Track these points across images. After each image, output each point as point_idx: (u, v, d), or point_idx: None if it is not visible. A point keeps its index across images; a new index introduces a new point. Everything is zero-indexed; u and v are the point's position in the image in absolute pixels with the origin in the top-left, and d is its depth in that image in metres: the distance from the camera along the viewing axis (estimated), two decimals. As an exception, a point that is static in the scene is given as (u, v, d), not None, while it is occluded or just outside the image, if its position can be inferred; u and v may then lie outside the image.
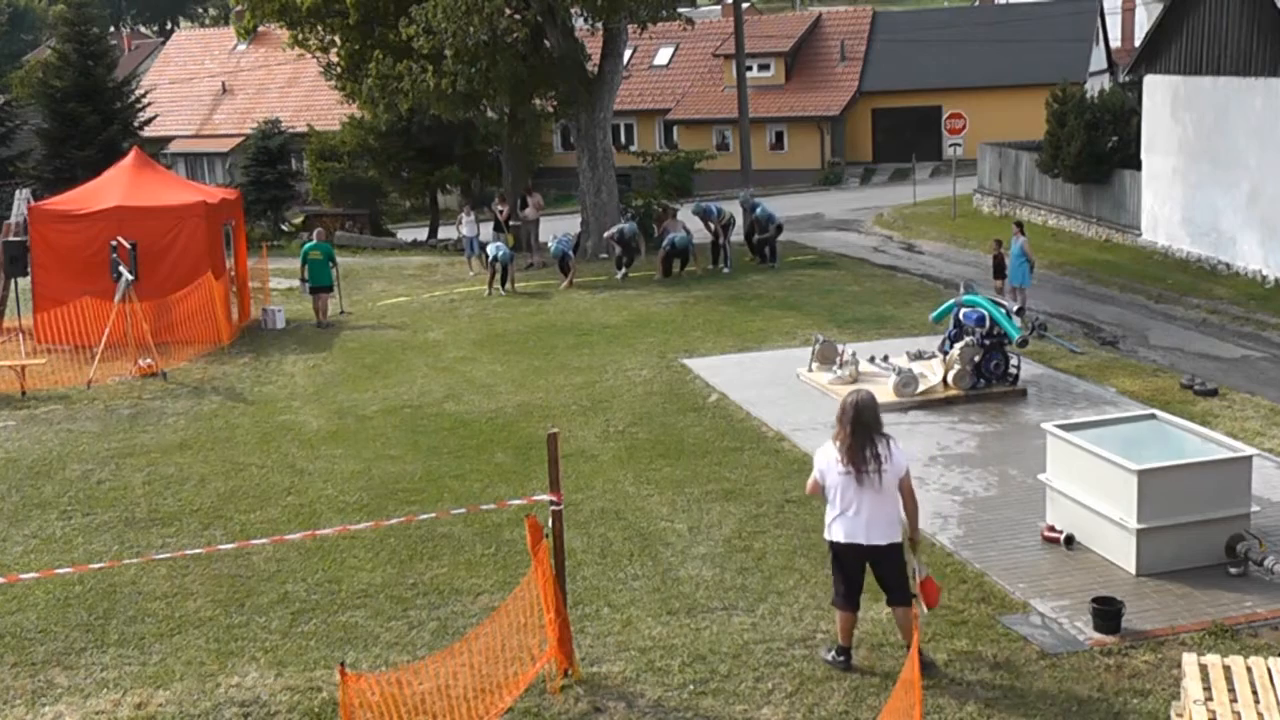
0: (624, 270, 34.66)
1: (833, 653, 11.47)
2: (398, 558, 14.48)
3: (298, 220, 53.17)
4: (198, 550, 14.21)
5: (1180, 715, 9.82)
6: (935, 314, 22.33)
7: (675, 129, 68.76)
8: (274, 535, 14.34)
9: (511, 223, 40.06)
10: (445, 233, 48.44)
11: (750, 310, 28.85)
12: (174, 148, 72.75)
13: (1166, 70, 35.90)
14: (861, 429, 10.87)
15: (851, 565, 11.13)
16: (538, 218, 39.92)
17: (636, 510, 15.83)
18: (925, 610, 11.39)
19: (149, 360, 24.47)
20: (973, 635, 12.05)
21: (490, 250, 34.11)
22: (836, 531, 11.06)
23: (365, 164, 49.67)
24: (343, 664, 9.08)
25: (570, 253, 34.69)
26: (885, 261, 37.52)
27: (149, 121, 57.34)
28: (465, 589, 13.58)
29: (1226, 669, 9.73)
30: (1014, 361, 20.63)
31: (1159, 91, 36.44)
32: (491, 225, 40.30)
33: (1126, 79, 42.64)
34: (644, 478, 17.06)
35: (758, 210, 36.82)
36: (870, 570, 11.17)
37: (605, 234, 36.40)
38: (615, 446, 18.62)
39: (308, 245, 30.40)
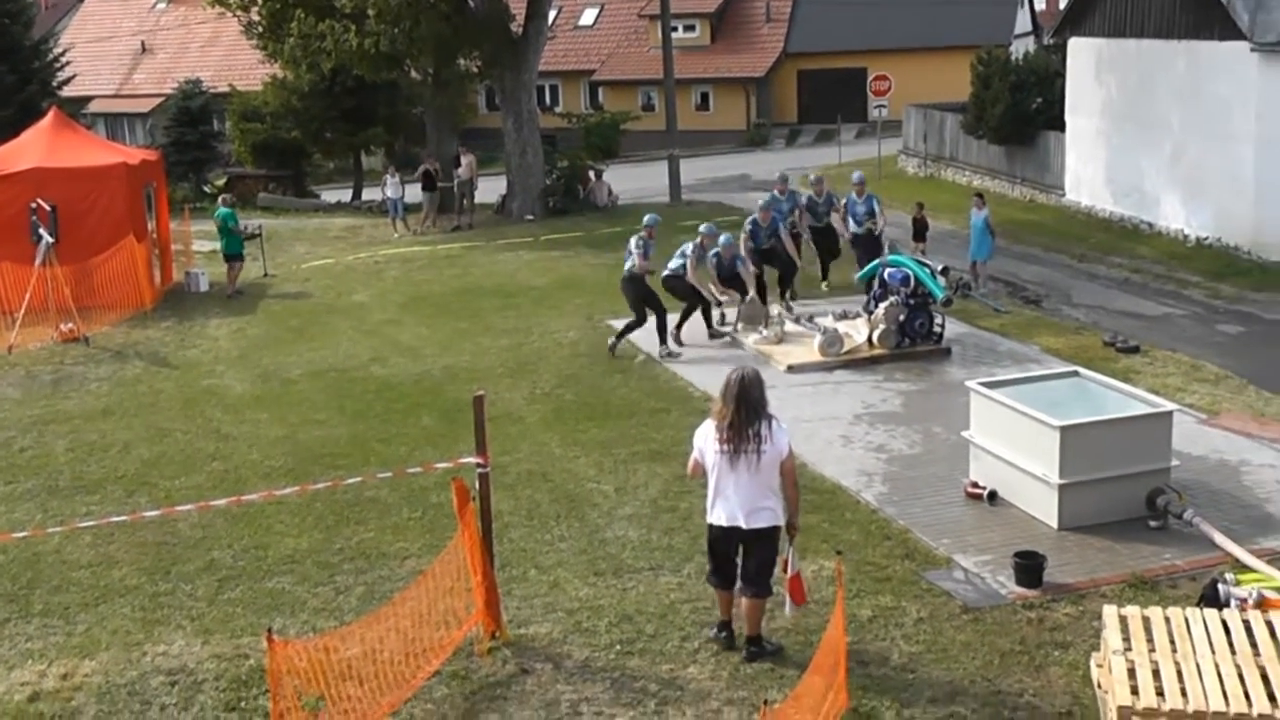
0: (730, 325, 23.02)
1: (716, 629, 11.27)
2: (324, 523, 14.42)
3: (220, 182, 52.58)
4: (122, 518, 14.07)
5: (1100, 666, 9.97)
6: (861, 274, 22.44)
7: (600, 90, 68.48)
8: (199, 502, 14.23)
9: (440, 183, 39.86)
10: (370, 194, 48.06)
11: (677, 271, 28.84)
12: (93, 108, 71.55)
13: (1091, 33, 36.10)
14: (746, 407, 10.41)
15: (727, 547, 10.80)
16: (471, 177, 39.74)
17: (563, 472, 15.84)
18: (790, 610, 11.07)
19: (71, 325, 24.16)
20: (897, 591, 12.17)
21: (389, 192, 36.12)
22: (717, 513, 10.66)
23: (288, 125, 49.08)
24: (270, 631, 9.04)
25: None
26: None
27: (68, 81, 56.35)
28: (392, 553, 13.55)
29: (1145, 620, 9.88)
30: (938, 320, 20.79)
31: (1083, 54, 36.65)
32: (420, 185, 40.09)
33: (1051, 41, 42.82)
34: (571, 439, 17.08)
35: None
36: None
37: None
38: (542, 409, 18.62)
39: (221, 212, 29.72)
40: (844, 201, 26.11)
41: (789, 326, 21.69)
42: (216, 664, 11.23)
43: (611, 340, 21.34)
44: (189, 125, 53.63)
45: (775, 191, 25.09)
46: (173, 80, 61.98)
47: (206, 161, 54.50)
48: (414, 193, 40.64)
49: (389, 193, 39.52)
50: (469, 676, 10.81)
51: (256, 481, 15.85)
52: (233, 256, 28.95)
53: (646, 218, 22.81)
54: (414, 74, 43.32)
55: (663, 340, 21.07)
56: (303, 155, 51.64)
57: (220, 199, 31.45)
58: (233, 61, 68.24)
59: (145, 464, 16.88)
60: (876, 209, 25.82)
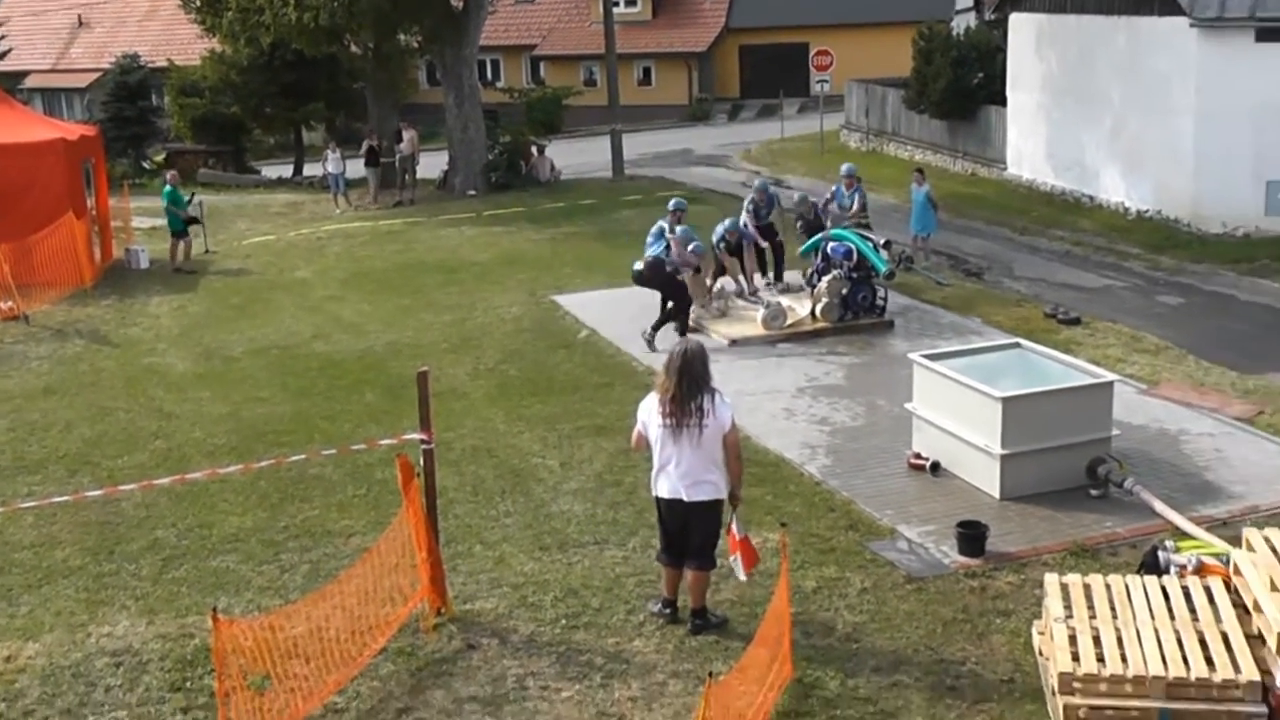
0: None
1: (658, 604, 11.30)
2: (268, 501, 14.36)
3: (159, 158, 52.04)
4: (65, 498, 13.93)
5: (1042, 633, 10.08)
6: (803, 248, 22.50)
7: (542, 65, 68.22)
8: (142, 481, 14.10)
9: (383, 159, 39.66)
10: (311, 170, 47.73)
11: (620, 246, 28.77)
12: (30, 83, 70.61)
13: (1031, 8, 36.26)
14: (690, 380, 10.41)
15: (673, 521, 10.83)
16: (413, 153, 39.55)
17: (508, 447, 15.83)
18: (744, 575, 11.03)
19: (10, 303, 23.88)
20: (841, 562, 12.24)
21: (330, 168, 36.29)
22: (661, 487, 10.72)
23: (228, 100, 48.60)
24: (215, 610, 9.00)
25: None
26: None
27: (3, 56, 55.77)
28: (337, 530, 13.52)
29: (1086, 587, 10.00)
30: (881, 294, 20.88)
31: (1024, 29, 36.82)
32: (363, 161, 39.87)
33: (992, 17, 42.97)
34: (515, 415, 17.06)
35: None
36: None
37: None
38: (486, 384, 18.59)
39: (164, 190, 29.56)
40: (831, 193, 25.40)
41: (732, 300, 21.75)
42: (161, 644, 11.16)
43: (648, 333, 19.96)
44: (127, 100, 53.00)
45: (754, 196, 23.84)
46: (110, 55, 61.25)
47: (145, 137, 53.86)
48: (355, 168, 40.40)
49: (330, 168, 39.26)
50: (415, 653, 10.80)
51: (200, 460, 15.74)
52: (177, 233, 28.80)
53: (673, 201, 21.86)
54: (354, 49, 43.00)
55: (658, 326, 19.91)
56: (243, 131, 51.15)
57: (168, 176, 31.24)
58: (171, 36, 67.48)
59: (87, 443, 16.74)
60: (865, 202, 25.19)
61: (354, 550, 12.67)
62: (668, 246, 20.28)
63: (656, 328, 19.88)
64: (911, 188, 27.63)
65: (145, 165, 51.62)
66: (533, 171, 41.23)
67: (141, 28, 72.17)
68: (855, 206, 24.75)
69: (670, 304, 20.20)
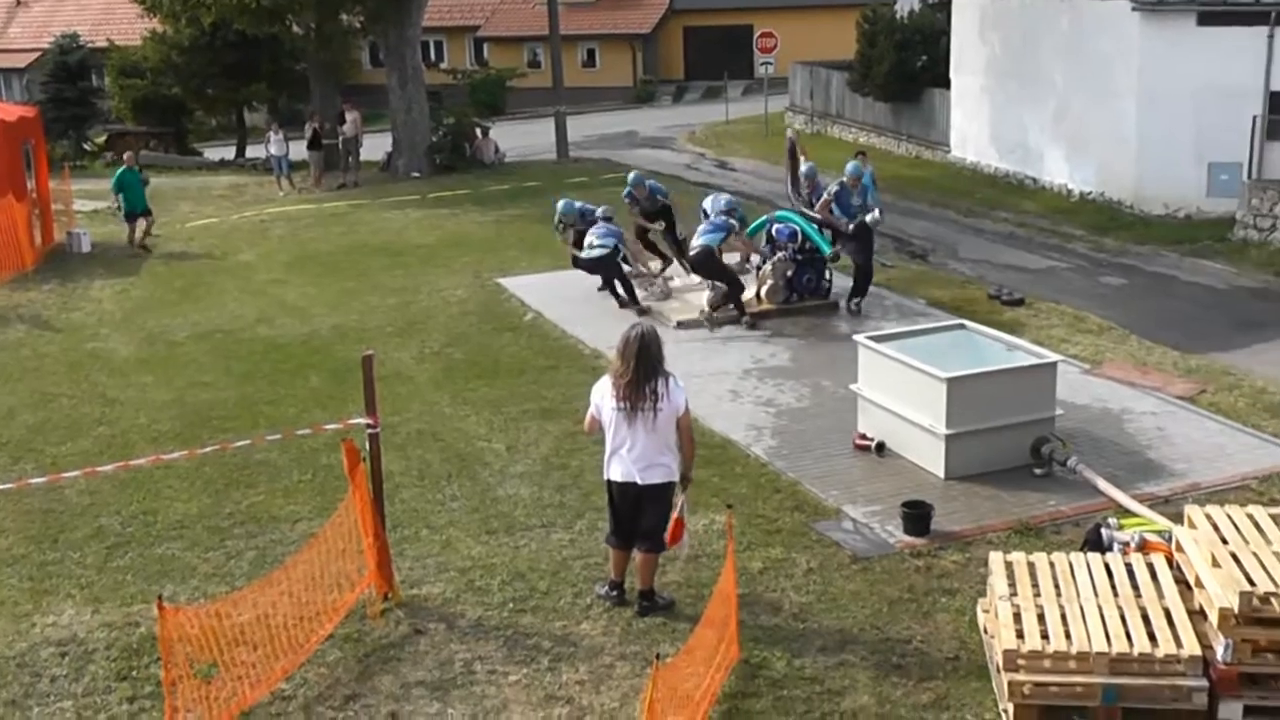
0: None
1: (605, 587, 11.31)
2: (213, 487, 14.25)
3: (100, 139, 51.55)
4: (7, 485, 13.72)
5: (986, 611, 10.15)
6: (749, 230, 22.49)
7: (486, 46, 67.99)
8: (86, 467, 13.93)
9: (326, 141, 39.42)
10: (254, 151, 47.40)
11: (566, 229, 28.87)
12: (-34, 65, 69.99)
13: (975, -9, 36.51)
14: (644, 364, 10.43)
15: (625, 504, 10.83)
16: (357, 134, 39.33)
17: (454, 431, 15.79)
18: (668, 548, 11.04)
19: (-53, 288, 23.67)
20: (787, 543, 12.28)
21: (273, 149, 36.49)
22: (614, 470, 10.71)
23: (169, 81, 48.19)
24: (160, 597, 8.94)
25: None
26: (699, 179, 37.65)
27: (-62, 37, 55.11)
28: (283, 516, 13.44)
29: (1031, 565, 10.06)
30: (826, 275, 20.92)
31: (967, 12, 37.00)
32: (306, 143, 39.63)
33: (936, 0, 43.21)
34: (461, 398, 17.02)
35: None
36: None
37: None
38: (431, 368, 18.53)
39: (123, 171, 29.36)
40: (834, 190, 20.75)
41: (675, 283, 21.76)
42: (107, 633, 11.06)
43: (706, 313, 20.10)
44: (67, 81, 52.47)
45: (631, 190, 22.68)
46: (49, 34, 60.56)
47: (86, 118, 53.35)
48: (299, 150, 40.15)
49: (273, 150, 39.01)
50: (362, 639, 10.75)
51: (144, 446, 15.60)
52: (140, 213, 28.80)
53: (718, 201, 21.51)
54: (296, 29, 42.70)
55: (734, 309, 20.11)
56: (184, 112, 50.78)
57: (125, 157, 30.93)
58: (111, 15, 66.76)
59: (30, 430, 16.57)
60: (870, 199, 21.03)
61: (300, 536, 12.60)
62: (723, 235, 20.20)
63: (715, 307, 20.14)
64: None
65: (86, 147, 51.13)
66: (477, 154, 41.12)
67: (81, 7, 71.35)
68: (860, 205, 20.69)
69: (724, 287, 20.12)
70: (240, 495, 14.01)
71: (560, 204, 22.42)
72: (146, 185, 29.58)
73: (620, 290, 20.96)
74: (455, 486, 14.01)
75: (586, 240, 21.09)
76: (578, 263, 21.40)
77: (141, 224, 28.92)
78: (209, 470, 14.58)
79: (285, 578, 10.49)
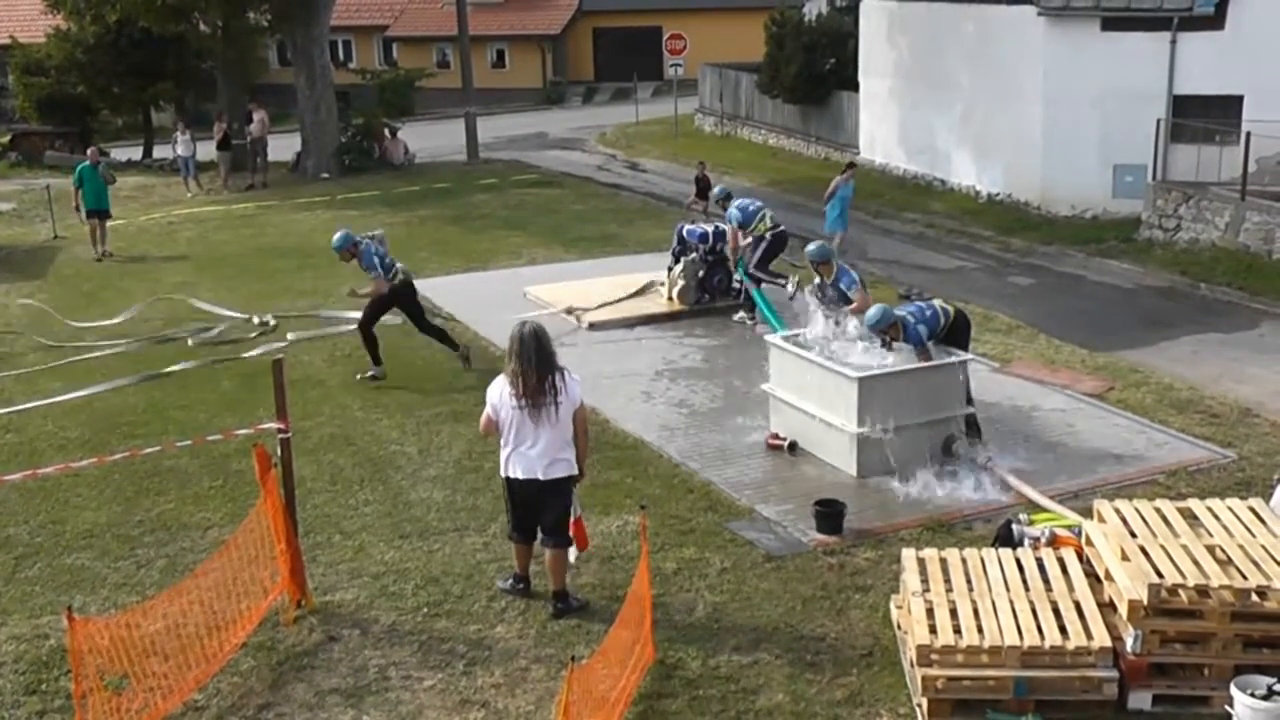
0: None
1: (510, 580, 11.38)
2: (123, 495, 14.05)
3: (3, 139, 50.69)
4: (-93, 494, 13.56)
5: (900, 607, 10.23)
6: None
7: (395, 46, 67.59)
8: (-10, 475, 13.76)
9: (235, 141, 39.00)
10: (161, 152, 46.80)
11: (475, 230, 28.77)
12: None
13: (882, -6, 36.75)
14: (540, 361, 10.46)
15: (526, 500, 10.84)
16: (264, 134, 38.93)
17: (366, 435, 15.68)
18: (578, 553, 11.20)
19: None
20: (700, 542, 12.31)
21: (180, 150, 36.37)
22: (515, 468, 10.70)
23: (74, 79, 47.42)
24: (69, 609, 8.77)
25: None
26: (609, 180, 37.67)
27: None
28: (194, 523, 13.27)
29: (943, 561, 10.16)
30: (736, 276, 20.97)
31: (875, 16, 37.22)
32: (215, 144, 39.17)
33: (844, 3, 43.46)
34: (372, 402, 16.91)
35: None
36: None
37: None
38: (342, 371, 18.39)
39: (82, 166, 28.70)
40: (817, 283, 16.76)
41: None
42: (15, 646, 10.85)
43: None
44: (-33, 78, 51.63)
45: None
46: (-51, 31, 59.48)
47: (-13, 117, 52.52)
48: (206, 150, 39.68)
49: (180, 150, 38.46)
50: (275, 647, 10.65)
51: (52, 454, 15.35)
52: (103, 212, 28.18)
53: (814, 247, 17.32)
54: (203, 27, 42.21)
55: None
56: (90, 111, 49.96)
57: (88, 153, 30.17)
58: (13, 11, 65.56)
59: (-71, 437, 16.28)
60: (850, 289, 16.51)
61: (211, 543, 12.45)
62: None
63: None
64: (836, 182, 26.50)
65: (-12, 147, 50.18)
66: (386, 154, 40.86)
67: (-19, 5, 70.14)
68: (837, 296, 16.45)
69: None
70: (150, 503, 13.82)
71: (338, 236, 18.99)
72: (111, 184, 28.93)
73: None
74: (368, 491, 13.92)
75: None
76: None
77: (99, 226, 28.07)
78: (118, 478, 14.38)
79: (197, 586, 10.37)
